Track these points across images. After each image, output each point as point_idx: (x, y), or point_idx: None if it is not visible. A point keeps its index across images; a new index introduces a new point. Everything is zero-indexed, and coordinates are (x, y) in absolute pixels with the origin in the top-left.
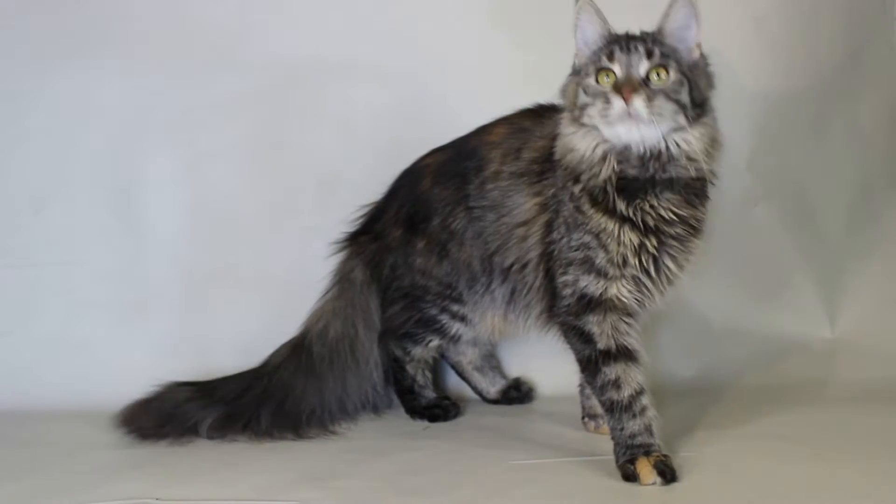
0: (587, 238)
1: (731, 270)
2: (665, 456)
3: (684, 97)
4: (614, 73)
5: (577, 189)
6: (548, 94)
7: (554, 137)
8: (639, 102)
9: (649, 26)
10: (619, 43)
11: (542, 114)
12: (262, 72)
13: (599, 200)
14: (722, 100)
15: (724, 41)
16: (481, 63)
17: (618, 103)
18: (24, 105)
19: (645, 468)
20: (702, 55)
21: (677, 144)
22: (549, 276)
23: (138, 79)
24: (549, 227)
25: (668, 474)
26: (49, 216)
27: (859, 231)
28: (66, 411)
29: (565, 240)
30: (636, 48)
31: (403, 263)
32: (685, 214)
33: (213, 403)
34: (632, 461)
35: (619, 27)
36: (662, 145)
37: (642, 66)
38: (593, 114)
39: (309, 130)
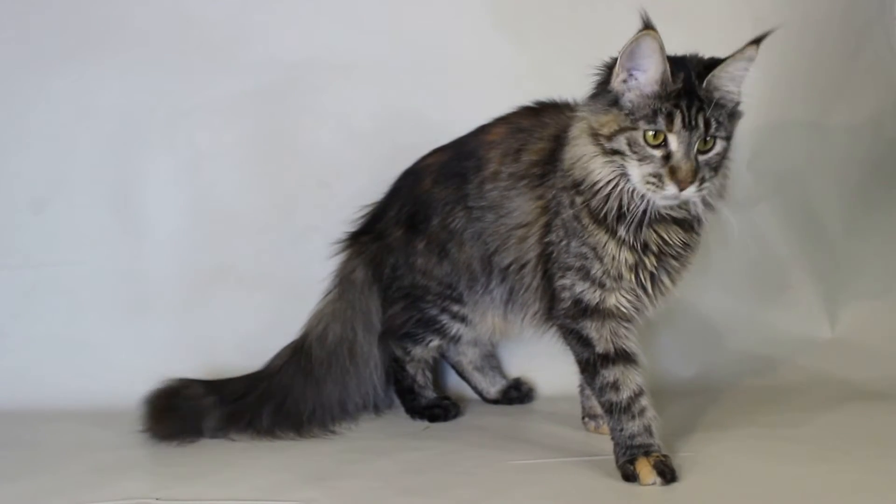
0: (584, 249)
1: (731, 270)
2: (665, 456)
3: (723, 163)
4: (667, 144)
5: (578, 200)
6: (548, 93)
7: (555, 139)
8: (692, 190)
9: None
10: (681, 107)
11: (542, 112)
12: (262, 72)
13: (600, 219)
14: None
15: (723, 41)
16: (481, 63)
17: (671, 189)
18: (24, 105)
19: (645, 468)
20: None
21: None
22: (547, 278)
23: (138, 79)
24: (547, 227)
25: (667, 474)
26: (49, 216)
27: (859, 231)
28: (66, 411)
29: (564, 243)
30: (697, 122)
31: (404, 263)
32: (686, 240)
33: (218, 401)
34: (632, 461)
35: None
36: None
37: (698, 143)
38: (633, 172)
39: (309, 130)
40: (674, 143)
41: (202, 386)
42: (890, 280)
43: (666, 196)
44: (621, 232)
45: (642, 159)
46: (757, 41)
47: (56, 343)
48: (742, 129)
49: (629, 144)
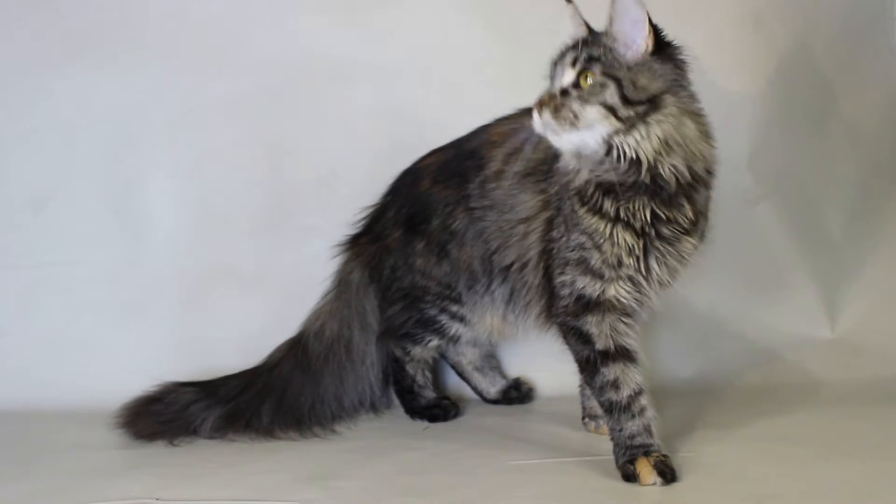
0: (582, 238)
1: (731, 270)
2: (665, 456)
3: (609, 98)
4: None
5: (571, 188)
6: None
7: None
8: (546, 115)
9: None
10: (560, 51)
11: None
12: (262, 72)
13: (587, 201)
14: (722, 100)
15: (723, 41)
16: (482, 63)
17: (535, 118)
18: (24, 105)
19: (645, 468)
20: (660, 47)
21: (622, 147)
22: (548, 276)
23: (138, 79)
24: (550, 224)
25: (668, 474)
26: (49, 216)
27: (859, 231)
28: (66, 411)
29: (564, 239)
30: (563, 57)
31: (403, 264)
32: (669, 216)
33: (214, 403)
34: (632, 461)
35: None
36: (605, 149)
37: (567, 76)
38: None
39: (309, 130)
40: (547, 82)
41: (194, 391)
42: (890, 280)
43: (537, 129)
44: (608, 207)
45: None
46: None
47: (56, 343)
48: (742, 129)
49: None
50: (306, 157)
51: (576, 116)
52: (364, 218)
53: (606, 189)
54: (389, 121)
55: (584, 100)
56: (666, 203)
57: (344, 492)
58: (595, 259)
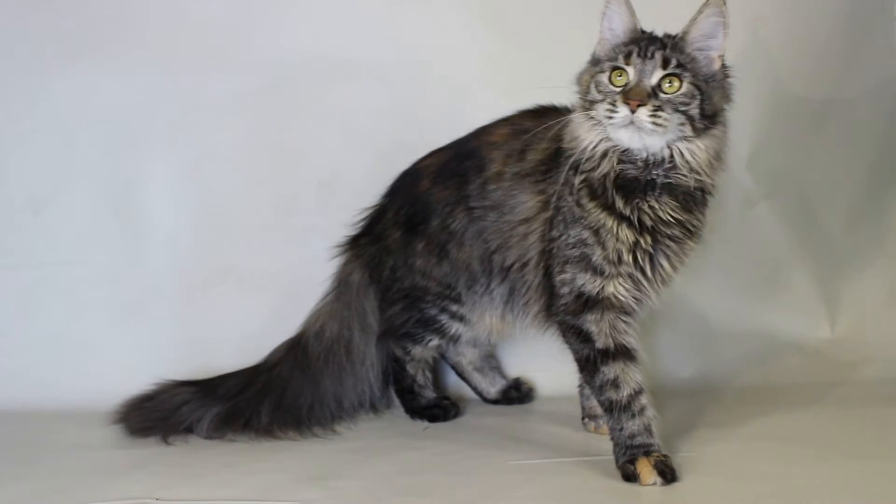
0: (585, 234)
1: (731, 270)
2: (665, 456)
3: (693, 109)
4: (627, 76)
5: (577, 180)
6: (548, 93)
7: (558, 139)
8: (643, 113)
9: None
10: (638, 44)
11: (543, 115)
12: (262, 72)
13: (599, 195)
14: None
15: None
16: (482, 63)
17: (623, 111)
18: (24, 105)
19: (645, 468)
20: (723, 66)
21: (682, 154)
22: (548, 275)
23: (138, 79)
24: (549, 224)
25: (668, 474)
26: (49, 216)
27: (859, 231)
28: (66, 411)
29: (563, 237)
30: (653, 54)
31: (403, 265)
32: (682, 218)
33: (212, 402)
34: (632, 461)
35: (647, 22)
36: (666, 153)
37: (655, 75)
38: (600, 112)
39: (309, 130)
40: (631, 73)
41: (191, 390)
42: (890, 280)
43: (620, 121)
44: (619, 204)
45: (605, 97)
46: None
47: (56, 343)
48: (742, 129)
49: (597, 88)
50: (306, 157)
51: (665, 122)
52: (364, 218)
53: (623, 185)
54: (389, 121)
55: (674, 107)
56: (684, 206)
57: (344, 492)
58: (597, 255)
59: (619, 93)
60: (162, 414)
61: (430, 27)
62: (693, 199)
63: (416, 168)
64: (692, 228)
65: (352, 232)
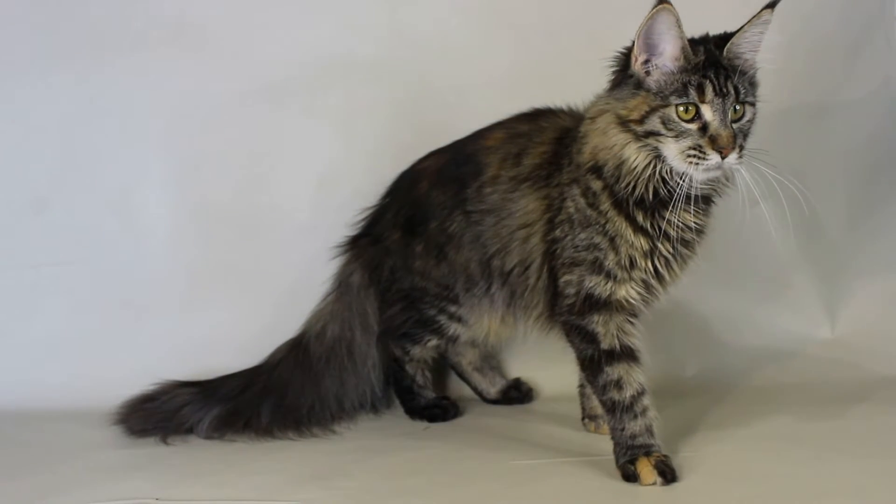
0: (598, 239)
1: (731, 270)
2: (665, 456)
3: (753, 126)
4: (700, 115)
5: (597, 185)
6: (548, 94)
7: (556, 142)
8: (733, 158)
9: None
10: (709, 77)
11: (538, 117)
12: (261, 72)
13: (624, 204)
14: None
15: None
16: (482, 63)
17: (714, 158)
18: (24, 105)
19: (645, 468)
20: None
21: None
22: (552, 276)
23: (138, 79)
24: (551, 224)
25: (668, 474)
26: (49, 216)
27: (859, 231)
28: (66, 411)
29: (569, 238)
30: (728, 89)
31: (402, 266)
32: (702, 223)
33: (213, 403)
34: (632, 461)
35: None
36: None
37: (731, 111)
38: (670, 150)
39: (308, 130)
40: (708, 112)
41: (192, 391)
42: (890, 280)
43: (709, 167)
44: (639, 217)
45: (678, 135)
46: (771, 5)
47: (56, 343)
48: None
49: (663, 123)
50: (306, 157)
51: (745, 153)
52: (364, 219)
53: (660, 200)
54: (389, 121)
55: (745, 134)
56: (705, 211)
57: (344, 492)
58: (609, 260)
59: (700, 136)
60: (163, 415)
61: (430, 27)
62: (709, 201)
63: (414, 169)
64: (703, 229)
65: (352, 232)
